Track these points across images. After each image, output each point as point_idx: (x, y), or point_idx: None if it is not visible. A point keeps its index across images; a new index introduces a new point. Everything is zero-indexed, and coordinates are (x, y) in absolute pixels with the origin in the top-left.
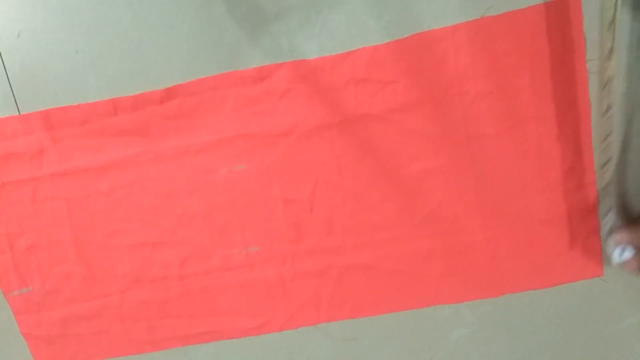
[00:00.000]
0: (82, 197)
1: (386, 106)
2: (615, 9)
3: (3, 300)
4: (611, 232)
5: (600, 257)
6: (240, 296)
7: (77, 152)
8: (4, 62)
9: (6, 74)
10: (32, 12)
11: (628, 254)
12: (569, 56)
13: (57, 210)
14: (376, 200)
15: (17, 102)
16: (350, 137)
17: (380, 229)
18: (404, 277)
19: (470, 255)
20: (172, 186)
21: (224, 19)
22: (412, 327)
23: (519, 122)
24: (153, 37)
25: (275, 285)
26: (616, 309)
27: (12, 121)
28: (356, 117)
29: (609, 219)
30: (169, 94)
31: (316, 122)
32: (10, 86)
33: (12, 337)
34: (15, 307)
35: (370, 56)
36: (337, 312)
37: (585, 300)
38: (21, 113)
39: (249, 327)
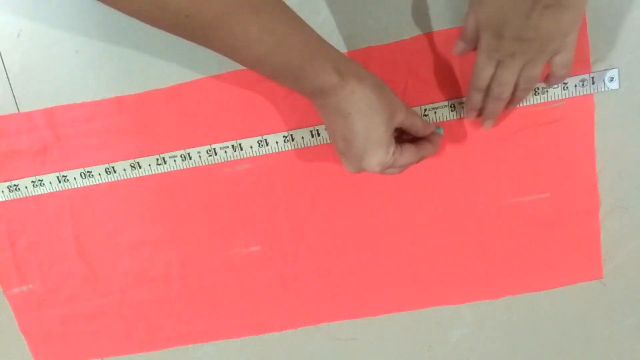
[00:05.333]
0: (84, 195)
1: None
2: None
3: (3, 298)
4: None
5: (600, 260)
6: (241, 296)
7: (81, 150)
8: (4, 62)
9: (6, 74)
10: (32, 12)
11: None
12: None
13: (59, 208)
14: (377, 201)
15: (17, 102)
16: None
17: (381, 229)
18: (405, 278)
19: (471, 257)
20: (174, 185)
21: None
22: (412, 327)
23: (521, 124)
24: (153, 37)
25: (276, 285)
26: (616, 309)
27: (16, 118)
28: None
29: None
30: (173, 93)
31: (319, 121)
32: (11, 86)
33: (12, 335)
34: (15, 304)
35: (370, 56)
36: (337, 312)
37: (585, 301)
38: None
39: (248, 326)
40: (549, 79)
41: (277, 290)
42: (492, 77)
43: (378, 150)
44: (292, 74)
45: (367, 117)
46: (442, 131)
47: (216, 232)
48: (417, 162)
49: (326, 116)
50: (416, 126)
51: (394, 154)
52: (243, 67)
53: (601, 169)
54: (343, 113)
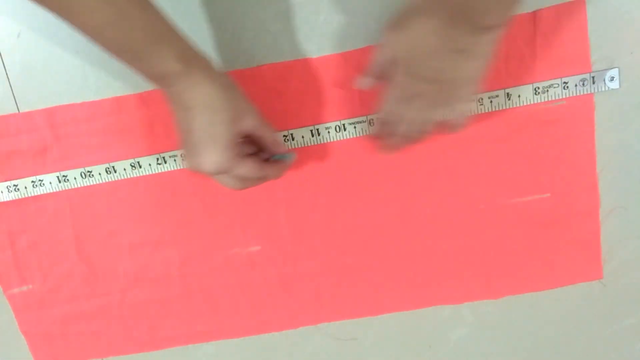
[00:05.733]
0: (84, 195)
1: None
2: None
3: (3, 298)
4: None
5: (600, 260)
6: (241, 296)
7: (81, 149)
8: (4, 62)
9: (6, 74)
10: (32, 12)
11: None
12: (573, 59)
13: (59, 208)
14: (378, 201)
15: (17, 102)
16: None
17: (381, 229)
18: (405, 278)
19: (471, 256)
20: (175, 185)
21: (224, 19)
22: (412, 327)
23: (521, 124)
24: None
25: (276, 285)
26: (616, 309)
27: (16, 118)
28: (356, 111)
29: None
30: None
31: (319, 121)
32: (11, 86)
33: (12, 335)
34: (15, 304)
35: (372, 56)
36: (337, 313)
37: (585, 300)
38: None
39: (248, 326)
40: (446, 126)
41: (277, 290)
42: (399, 114)
43: (214, 150)
44: (133, 53)
45: (208, 114)
46: (292, 158)
47: (216, 232)
48: (258, 180)
49: (170, 105)
50: (265, 139)
51: (232, 158)
52: (242, 68)
53: (601, 169)
54: (184, 105)
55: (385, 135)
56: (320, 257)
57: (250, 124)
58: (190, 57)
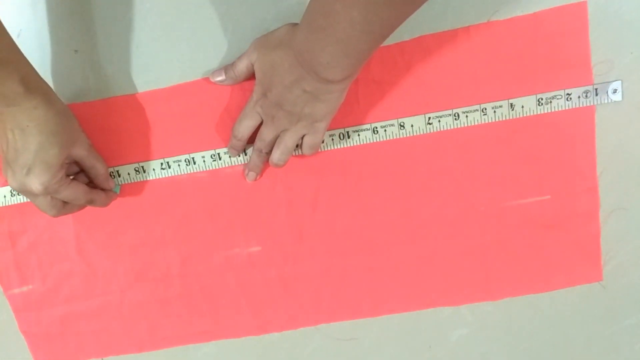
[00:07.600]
0: None
1: (390, 108)
2: None
3: (3, 297)
4: None
5: (600, 263)
6: (241, 296)
7: None
8: None
9: None
10: (32, 12)
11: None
12: (574, 61)
13: None
14: (378, 202)
15: None
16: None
17: (382, 230)
18: (405, 279)
19: (472, 258)
20: (175, 185)
21: (224, 19)
22: (412, 327)
23: (522, 127)
24: (153, 37)
25: (276, 285)
26: (616, 310)
27: None
28: (360, 118)
29: None
30: (174, 93)
31: None
32: None
33: (12, 335)
34: (14, 305)
35: (371, 56)
36: (337, 313)
37: (585, 300)
38: None
39: (249, 327)
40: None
41: (277, 291)
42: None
43: (45, 170)
44: None
45: (44, 135)
46: (118, 191)
47: (216, 232)
48: (84, 203)
49: (3, 124)
50: (95, 170)
51: (60, 180)
52: None
53: (602, 171)
54: (21, 124)
55: (238, 148)
56: (321, 258)
57: (83, 152)
58: (34, 81)
